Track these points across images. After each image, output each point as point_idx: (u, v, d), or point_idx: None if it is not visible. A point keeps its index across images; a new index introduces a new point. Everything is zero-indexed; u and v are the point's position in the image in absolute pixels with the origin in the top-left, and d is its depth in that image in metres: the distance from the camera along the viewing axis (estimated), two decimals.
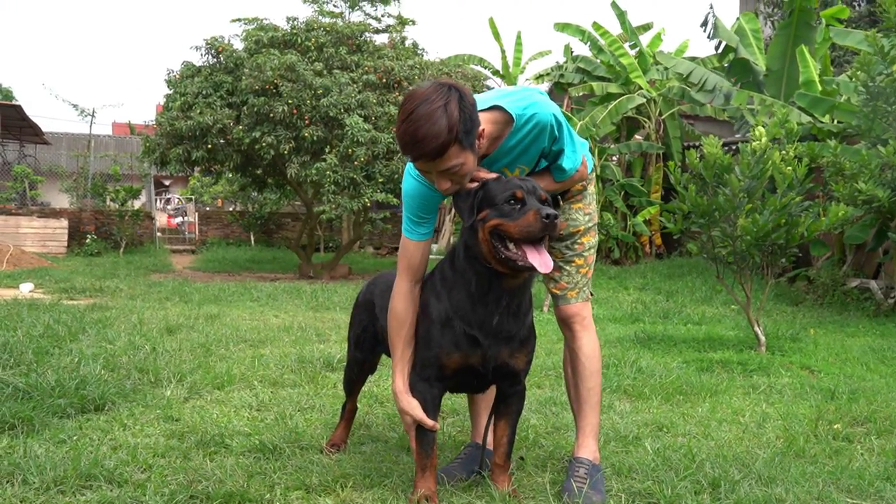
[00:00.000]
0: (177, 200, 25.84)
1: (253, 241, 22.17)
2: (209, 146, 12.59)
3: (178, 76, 13.45)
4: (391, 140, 12.54)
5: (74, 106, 23.51)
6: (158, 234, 21.62)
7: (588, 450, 3.06)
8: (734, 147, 16.01)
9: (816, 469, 3.22)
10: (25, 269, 13.62)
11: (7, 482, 2.80)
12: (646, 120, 18.52)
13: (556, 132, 2.80)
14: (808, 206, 6.25)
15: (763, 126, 5.97)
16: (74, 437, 3.42)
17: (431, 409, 2.70)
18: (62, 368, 4.51)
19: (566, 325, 3.26)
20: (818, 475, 3.12)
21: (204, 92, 12.87)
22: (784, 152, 5.98)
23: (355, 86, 12.89)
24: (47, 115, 56.82)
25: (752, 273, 6.36)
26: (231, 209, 23.74)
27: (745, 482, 2.95)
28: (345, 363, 3.49)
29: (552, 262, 2.53)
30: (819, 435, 3.85)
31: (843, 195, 8.41)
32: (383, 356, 3.35)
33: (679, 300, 10.89)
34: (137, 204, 22.62)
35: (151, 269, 15.87)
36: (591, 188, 3.32)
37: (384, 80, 13.31)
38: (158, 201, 26.96)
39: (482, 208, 2.60)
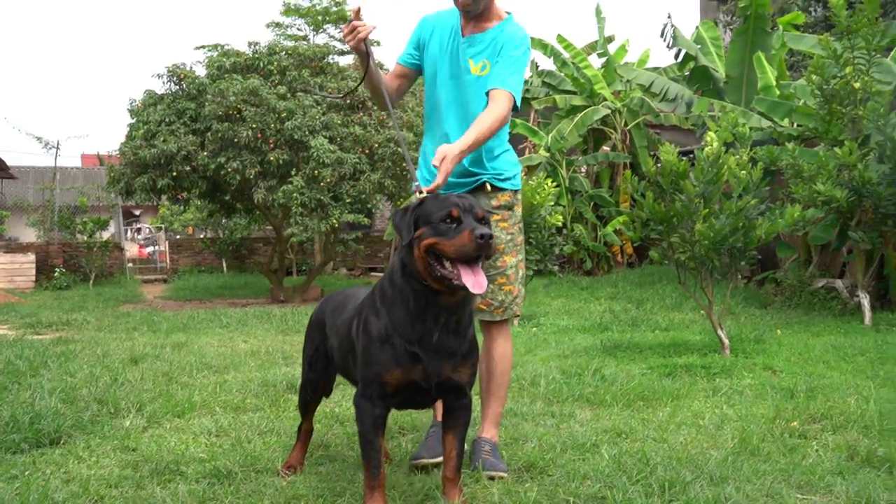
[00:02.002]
0: (147, 230, 25.66)
1: (225, 268, 22.04)
2: (174, 174, 12.52)
3: (140, 105, 13.38)
4: (357, 160, 12.56)
5: (38, 139, 23.29)
6: (129, 264, 21.47)
7: (490, 433, 3.49)
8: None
9: (769, 467, 3.25)
10: None
11: None
12: (612, 131, 18.67)
13: (518, 64, 3.42)
14: (765, 209, 6.32)
15: (714, 132, 6.04)
16: (27, 472, 3.38)
17: (374, 429, 2.70)
18: (18, 403, 4.45)
19: (487, 331, 3.64)
20: (770, 473, 3.16)
21: (167, 119, 12.81)
22: (738, 156, 6.05)
23: (319, 107, 12.91)
24: (12, 148, 56.16)
25: (713, 277, 6.41)
26: (202, 236, 23.59)
27: (697, 483, 2.98)
28: (299, 384, 3.49)
29: (486, 283, 2.55)
30: (775, 433, 3.89)
31: (803, 197, 8.51)
32: (339, 377, 3.36)
33: (648, 307, 10.95)
34: (106, 235, 22.43)
35: (122, 300, 15.74)
36: (518, 210, 3.65)
37: (348, 101, 13.33)
38: (128, 231, 26.80)
39: (419, 226, 2.62)
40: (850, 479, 3.10)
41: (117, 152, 14.18)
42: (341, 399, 4.70)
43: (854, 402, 4.53)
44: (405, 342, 2.66)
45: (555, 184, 9.61)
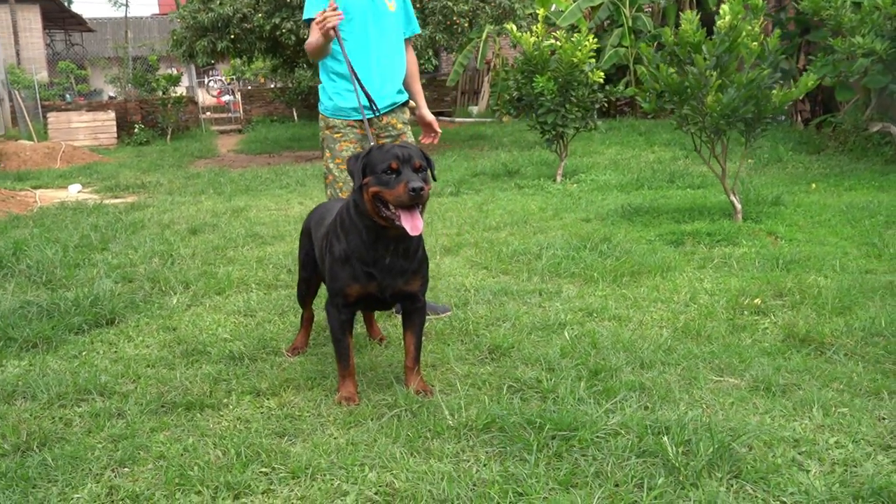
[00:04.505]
0: (221, 80, 26.28)
1: (296, 117, 22.61)
2: (232, 36, 12.93)
3: None
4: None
5: None
6: (206, 114, 22.23)
7: None
8: None
9: (702, 349, 3.70)
10: (77, 166, 14.44)
11: (21, 397, 3.47)
12: None
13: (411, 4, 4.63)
14: (779, 76, 6.42)
15: (727, 4, 6.09)
16: (84, 353, 4.07)
17: (341, 330, 3.25)
18: (81, 285, 5.16)
19: None
20: (700, 356, 3.60)
21: None
22: (750, 27, 6.12)
23: None
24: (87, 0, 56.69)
25: (726, 144, 6.62)
26: (272, 86, 24.10)
27: (627, 368, 3.46)
28: (297, 280, 4.06)
29: (422, 225, 3.01)
30: (733, 310, 4.30)
31: (843, 49, 8.43)
32: None
33: (694, 157, 11.06)
34: (181, 89, 23.14)
35: (196, 155, 16.57)
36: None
37: None
38: (205, 81, 27.47)
39: (366, 174, 3.06)
40: (770, 361, 3.53)
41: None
42: None
43: (826, 276, 4.88)
44: (361, 264, 3.16)
45: (595, 41, 9.63)
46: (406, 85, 4.65)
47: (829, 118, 12.86)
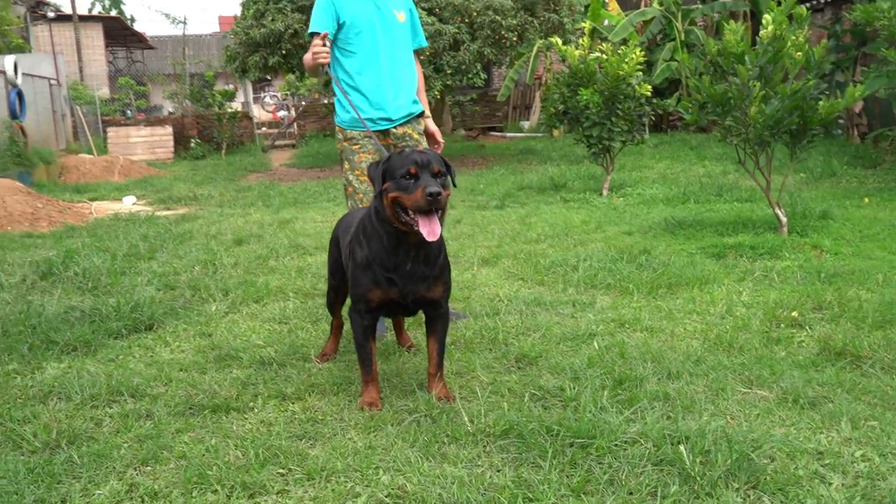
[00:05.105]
0: (276, 96, 26.70)
1: None
2: (283, 51, 13.14)
3: None
4: (456, 30, 12.76)
5: (166, 15, 24.41)
6: (260, 130, 22.61)
7: None
8: (822, 1, 15.35)
9: (732, 361, 3.63)
10: (134, 179, 14.80)
11: (56, 398, 3.56)
12: None
13: (417, 17, 4.68)
14: (825, 87, 6.30)
15: (770, 14, 6.01)
16: (120, 357, 4.16)
17: (364, 336, 3.28)
18: (123, 292, 5.28)
19: None
20: (729, 367, 3.54)
21: None
22: (794, 37, 6.03)
23: None
24: (147, 18, 58.29)
25: (771, 156, 6.51)
26: (325, 101, 24.39)
27: (653, 378, 3.42)
28: (326, 288, 4.10)
29: (440, 230, 3.02)
30: (770, 323, 4.22)
31: (895, 60, 8.25)
32: None
33: (744, 172, 10.88)
34: (237, 104, 23.56)
35: (249, 169, 16.86)
36: None
37: None
38: (264, 95, 27.94)
39: (385, 179, 3.09)
40: (802, 373, 3.45)
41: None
42: None
43: (869, 290, 4.76)
44: (383, 269, 3.18)
45: (643, 53, 9.58)
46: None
47: (887, 132, 12.56)
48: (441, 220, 3.11)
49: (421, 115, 4.67)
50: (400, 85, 4.53)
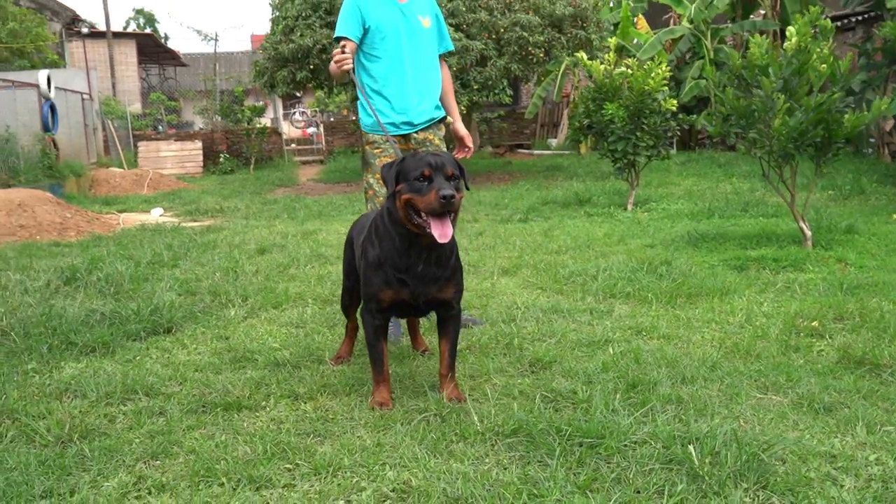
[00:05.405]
0: (305, 113, 26.94)
1: None
2: (311, 67, 13.26)
3: None
4: (483, 46, 12.81)
5: (198, 32, 24.79)
6: (290, 146, 22.81)
7: None
8: (853, 20, 15.25)
9: (749, 367, 3.59)
10: (162, 192, 14.97)
11: (72, 395, 3.59)
12: None
13: (443, 21, 4.73)
14: (851, 100, 6.24)
15: (794, 26, 5.97)
16: (138, 357, 4.19)
17: (375, 336, 3.28)
18: (144, 297, 5.33)
19: None
20: (745, 373, 3.50)
21: (304, 14, 13.46)
22: (819, 50, 5.99)
23: None
24: (180, 35, 59.18)
25: (795, 169, 6.46)
26: (353, 118, 24.57)
27: (666, 382, 3.38)
28: (340, 291, 4.11)
29: (451, 232, 3.02)
30: (789, 332, 4.16)
31: None
32: None
33: (771, 189, 10.80)
34: (266, 120, 23.81)
35: (277, 183, 17.00)
36: None
37: None
38: (293, 111, 28.21)
39: (399, 181, 3.10)
40: (819, 380, 3.40)
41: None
42: None
43: (892, 302, 4.68)
44: (394, 270, 3.19)
45: (669, 70, 9.55)
46: (441, 100, 4.72)
47: None
48: (453, 222, 3.11)
49: (443, 120, 4.69)
50: (423, 90, 4.56)
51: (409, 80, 4.48)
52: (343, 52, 4.24)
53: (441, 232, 2.99)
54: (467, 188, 3.28)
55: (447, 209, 2.98)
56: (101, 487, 2.64)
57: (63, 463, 2.79)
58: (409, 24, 4.49)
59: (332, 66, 4.35)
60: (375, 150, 4.51)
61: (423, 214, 3.03)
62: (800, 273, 5.64)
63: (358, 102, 4.67)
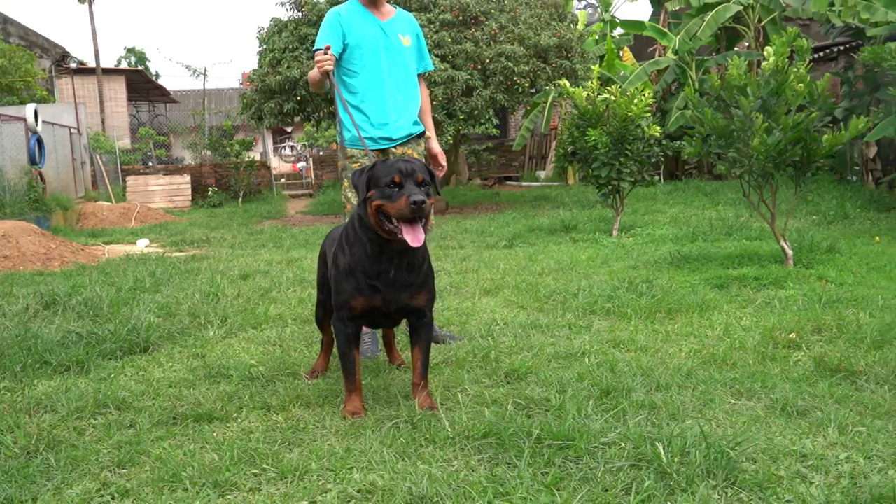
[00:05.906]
0: (294, 147, 27.05)
1: None
2: (298, 98, 13.33)
3: (266, 32, 14.20)
4: (469, 77, 12.91)
5: (187, 67, 24.97)
6: (279, 180, 22.86)
7: None
8: (835, 50, 15.44)
9: (724, 375, 3.57)
10: (150, 225, 14.95)
11: (43, 410, 3.55)
12: (745, 29, 18.03)
13: (425, 43, 4.78)
14: (828, 120, 6.29)
15: (773, 46, 6.04)
16: (112, 375, 4.15)
17: (347, 344, 3.26)
18: (122, 319, 5.29)
19: None
20: (720, 381, 3.48)
21: (290, 46, 13.57)
22: (796, 69, 6.05)
23: (432, 26, 13.27)
24: (171, 73, 59.71)
25: (775, 188, 6.49)
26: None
27: (641, 390, 3.36)
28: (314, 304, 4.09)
29: (423, 237, 3.03)
30: (767, 344, 4.15)
31: None
32: None
33: (756, 214, 10.85)
34: (255, 154, 23.89)
35: (265, 216, 17.01)
36: None
37: (460, 18, 13.61)
38: (283, 146, 28.32)
39: (370, 187, 3.10)
40: (794, 387, 3.38)
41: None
42: None
43: (871, 314, 4.68)
44: (366, 277, 3.18)
45: (651, 96, 9.63)
46: (418, 118, 4.75)
47: None
48: (425, 227, 3.11)
49: (421, 135, 4.71)
50: (402, 106, 4.58)
51: (388, 95, 4.51)
52: (325, 55, 4.27)
53: (413, 236, 2.99)
54: (438, 193, 3.28)
55: (418, 214, 2.98)
56: (63, 494, 2.60)
57: (27, 472, 2.75)
58: (388, 42, 4.54)
59: (313, 71, 4.38)
60: (354, 164, 4.51)
61: (394, 220, 3.03)
62: (780, 290, 5.64)
63: (337, 118, 4.68)
